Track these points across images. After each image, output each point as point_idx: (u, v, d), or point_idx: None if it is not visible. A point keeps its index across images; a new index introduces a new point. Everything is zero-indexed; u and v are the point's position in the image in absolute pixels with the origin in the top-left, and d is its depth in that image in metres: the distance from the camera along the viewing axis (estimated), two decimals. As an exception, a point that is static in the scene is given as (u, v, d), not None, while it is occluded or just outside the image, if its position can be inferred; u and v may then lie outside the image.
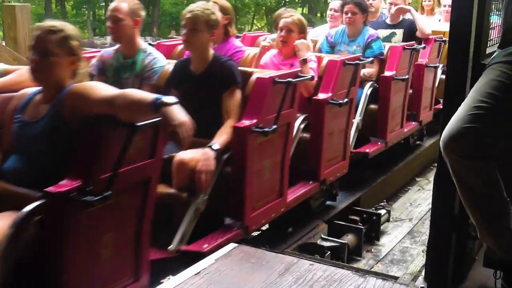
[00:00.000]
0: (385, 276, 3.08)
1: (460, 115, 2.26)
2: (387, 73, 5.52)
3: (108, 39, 28.06)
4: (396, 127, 5.85)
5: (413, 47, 5.76)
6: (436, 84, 6.87)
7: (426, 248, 3.04)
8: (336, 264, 3.43)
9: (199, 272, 3.01)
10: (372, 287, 2.90)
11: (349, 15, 5.80)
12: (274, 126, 3.67)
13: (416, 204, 6.04)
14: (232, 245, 3.36)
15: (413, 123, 6.38)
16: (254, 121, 3.56)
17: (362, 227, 4.97)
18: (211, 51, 3.93)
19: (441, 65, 6.98)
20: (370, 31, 5.89)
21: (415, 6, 8.43)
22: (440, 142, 2.31)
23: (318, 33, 6.52)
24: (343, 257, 4.50)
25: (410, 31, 6.56)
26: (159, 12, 30.87)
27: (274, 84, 3.66)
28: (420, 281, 3.00)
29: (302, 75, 4.03)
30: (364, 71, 5.53)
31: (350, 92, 4.76)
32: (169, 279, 2.99)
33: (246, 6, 35.10)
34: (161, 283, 2.92)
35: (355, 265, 4.58)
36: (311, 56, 4.69)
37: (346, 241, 4.62)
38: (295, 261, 3.17)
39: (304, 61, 4.56)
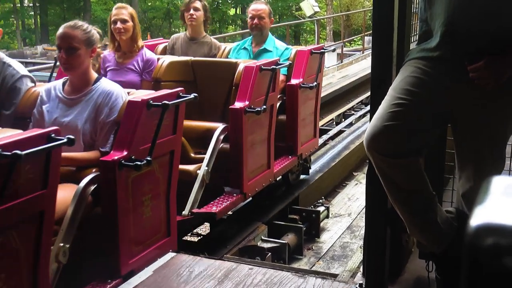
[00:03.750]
0: (324, 275, 3.09)
1: (380, 113, 2.29)
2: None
3: (39, 48, 27.50)
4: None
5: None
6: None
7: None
8: (276, 266, 3.42)
9: (136, 286, 2.95)
10: (312, 287, 2.91)
11: None
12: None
13: (354, 198, 6.10)
14: (170, 255, 3.31)
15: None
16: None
17: (302, 225, 4.99)
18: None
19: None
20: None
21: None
22: (364, 141, 2.33)
23: None
24: (284, 257, 4.51)
25: None
26: (90, 18, 30.37)
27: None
28: (359, 277, 3.01)
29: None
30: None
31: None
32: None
33: (179, 9, 34.97)
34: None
35: (296, 264, 4.59)
36: None
37: (286, 241, 4.62)
38: (234, 267, 3.15)
39: None
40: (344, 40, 17.00)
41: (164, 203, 3.39)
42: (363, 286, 2.77)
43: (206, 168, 4.07)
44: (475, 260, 0.41)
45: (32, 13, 34.31)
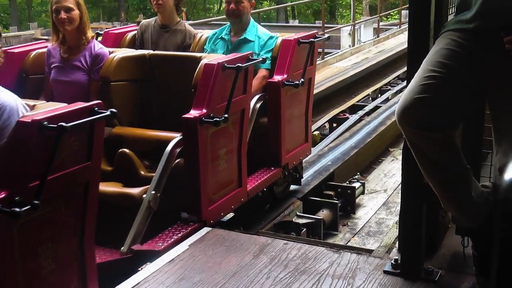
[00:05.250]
0: (359, 250, 3.09)
1: (412, 86, 2.25)
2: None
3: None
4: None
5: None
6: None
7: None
8: (311, 241, 3.43)
9: (173, 259, 2.99)
10: (347, 262, 2.91)
11: None
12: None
13: (390, 174, 6.06)
14: (205, 229, 3.34)
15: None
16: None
17: (337, 201, 4.98)
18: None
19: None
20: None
21: None
22: (395, 114, 2.30)
23: None
24: (319, 233, 4.51)
25: None
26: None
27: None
28: (394, 253, 3.00)
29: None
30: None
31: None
32: (145, 266, 2.97)
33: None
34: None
35: (331, 240, 4.60)
36: None
37: (321, 217, 4.63)
38: (270, 241, 3.16)
39: None
40: (380, 14, 16.76)
41: (76, 251, 2.64)
42: (399, 261, 2.76)
43: (154, 192, 3.31)
44: (508, 212, 0.40)
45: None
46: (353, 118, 8.35)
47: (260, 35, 4.44)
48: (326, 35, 4.77)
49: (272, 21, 29.23)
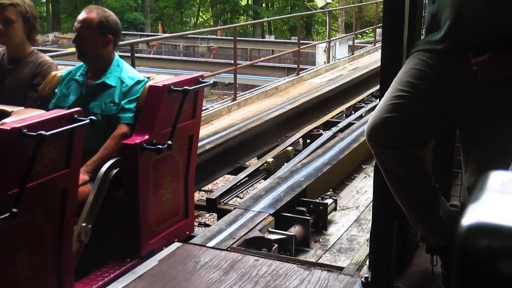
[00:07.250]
0: (330, 268, 3.09)
1: (381, 105, 2.28)
2: None
3: (51, 36, 27.59)
4: None
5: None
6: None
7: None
8: (282, 258, 3.41)
9: (142, 275, 2.95)
10: (317, 279, 2.90)
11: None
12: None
13: (363, 191, 6.07)
14: (175, 245, 3.31)
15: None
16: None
17: (309, 217, 4.98)
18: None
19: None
20: None
21: None
22: (365, 133, 2.32)
23: None
24: (290, 249, 4.49)
25: None
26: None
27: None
28: (365, 270, 3.01)
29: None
30: None
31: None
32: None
33: (191, -2, 35.17)
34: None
35: (303, 257, 4.58)
36: None
37: (293, 233, 4.61)
38: (240, 258, 3.15)
39: None
40: (355, 32, 16.92)
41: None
42: (369, 279, 2.76)
43: None
44: (466, 263, 0.38)
45: (44, 0, 34.37)
46: (326, 134, 8.39)
47: (124, 78, 3.40)
48: (212, 81, 3.55)
49: (248, 36, 29.41)
